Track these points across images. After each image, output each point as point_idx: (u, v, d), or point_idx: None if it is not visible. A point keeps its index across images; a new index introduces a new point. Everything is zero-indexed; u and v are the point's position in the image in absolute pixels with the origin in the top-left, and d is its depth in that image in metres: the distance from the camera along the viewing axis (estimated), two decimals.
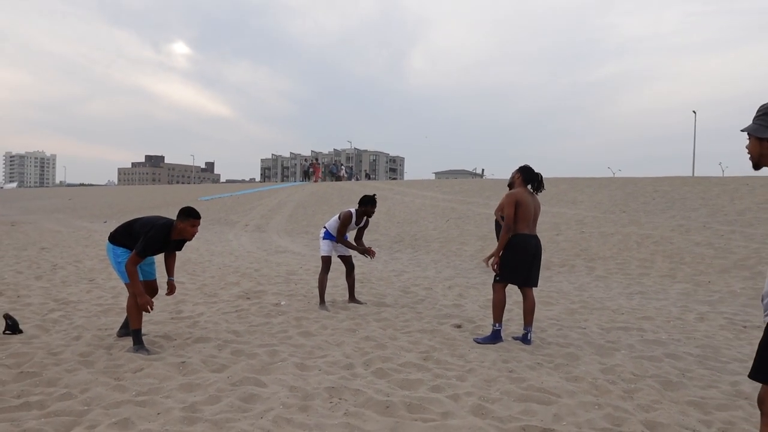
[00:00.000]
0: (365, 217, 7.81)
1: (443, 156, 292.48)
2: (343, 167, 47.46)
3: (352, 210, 7.85)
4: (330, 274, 9.77)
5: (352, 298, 8.08)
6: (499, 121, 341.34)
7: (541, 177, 6.14)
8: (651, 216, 16.49)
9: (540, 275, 11.37)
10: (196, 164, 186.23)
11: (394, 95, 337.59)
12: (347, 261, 8.01)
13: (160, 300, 7.75)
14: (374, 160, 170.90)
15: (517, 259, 5.97)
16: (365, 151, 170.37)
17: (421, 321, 7.14)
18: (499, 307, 6.09)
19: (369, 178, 50.03)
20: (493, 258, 6.09)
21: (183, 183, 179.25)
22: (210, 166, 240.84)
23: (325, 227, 8.03)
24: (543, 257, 12.80)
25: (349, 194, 29.68)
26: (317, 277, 9.92)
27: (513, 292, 8.67)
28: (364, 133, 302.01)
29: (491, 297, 8.44)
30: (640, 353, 5.86)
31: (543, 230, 15.53)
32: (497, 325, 6.09)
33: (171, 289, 5.64)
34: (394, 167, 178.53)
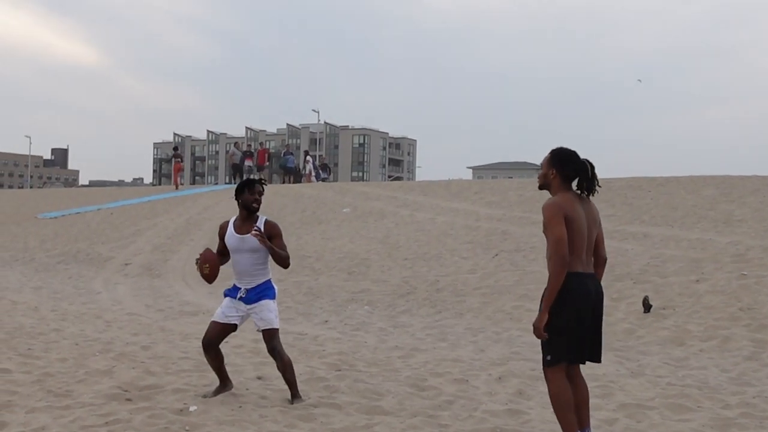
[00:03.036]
0: (254, 215, 7.16)
1: (486, 139, 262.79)
2: (309, 157, 41.19)
3: (231, 219, 7.33)
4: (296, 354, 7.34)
5: (292, 395, 7.29)
6: (585, 77, 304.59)
7: (593, 168, 5.65)
8: None
9: (666, 354, 10.20)
10: (34, 153, 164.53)
11: (397, 30, 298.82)
12: (265, 338, 7.22)
13: None
14: (361, 145, 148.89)
15: (570, 316, 5.41)
16: (345, 128, 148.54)
17: None
18: (566, 405, 5.46)
19: (323, 174, 41.53)
20: (539, 321, 5.53)
21: (10, 186, 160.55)
22: (60, 156, 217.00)
23: None
24: (673, 321, 11.54)
25: (314, 207, 26.65)
26: (256, 359, 9.15)
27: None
28: (344, 97, 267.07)
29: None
30: None
31: (672, 272, 13.78)
32: None
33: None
34: (397, 157, 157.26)
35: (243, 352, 9.80)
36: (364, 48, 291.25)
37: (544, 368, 5.62)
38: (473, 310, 13.37)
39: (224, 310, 7.20)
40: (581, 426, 5.63)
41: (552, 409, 5.64)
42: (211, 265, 7.09)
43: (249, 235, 7.03)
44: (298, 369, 8.62)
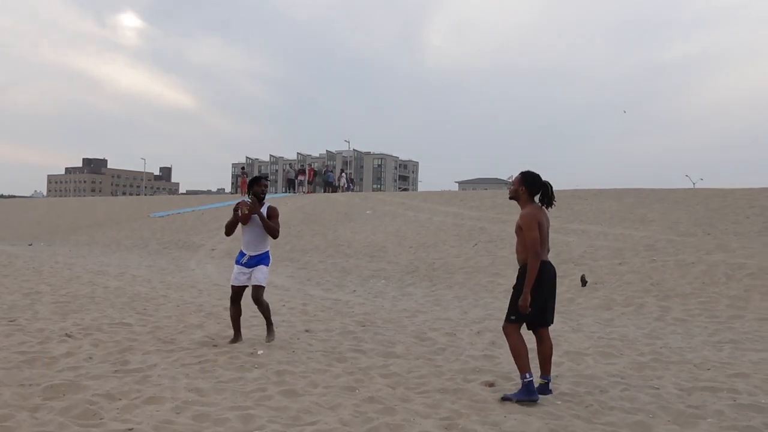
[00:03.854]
0: (261, 199, 7.15)
1: (469, 161, 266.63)
2: (344, 174, 40.86)
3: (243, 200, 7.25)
4: (333, 310, 7.33)
5: (267, 333, 7.35)
6: (542, 115, 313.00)
7: (552, 188, 5.49)
8: (745, 240, 14.17)
9: (597, 316, 10.26)
10: (147, 170, 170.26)
11: (405, 81, 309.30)
12: (252, 292, 7.19)
13: (100, 348, 6.84)
14: (379, 166, 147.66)
15: (535, 293, 5.30)
16: (368, 153, 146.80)
17: (441, 377, 6.16)
18: (522, 352, 5.35)
19: (352, 186, 42.37)
20: (524, 300, 5.33)
21: (131, 194, 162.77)
22: (166, 172, 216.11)
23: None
24: (603, 293, 11.44)
25: (346, 209, 26.40)
26: (305, 317, 9.13)
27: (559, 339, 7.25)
28: (367, 130, 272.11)
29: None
30: (733, 422, 4.96)
31: (602, 257, 13.71)
32: (527, 375, 5.36)
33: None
34: (404, 174, 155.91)
35: (295, 312, 9.72)
36: (382, 93, 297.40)
37: (505, 325, 5.44)
38: (459, 284, 13.23)
39: (236, 275, 7.12)
40: (544, 373, 5.52)
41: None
42: (249, 209, 6.94)
43: (256, 214, 7.03)
44: (334, 326, 8.62)
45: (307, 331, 8.14)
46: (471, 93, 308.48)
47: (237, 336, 7.24)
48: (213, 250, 20.70)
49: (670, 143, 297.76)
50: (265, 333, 7.39)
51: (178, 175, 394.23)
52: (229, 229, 7.12)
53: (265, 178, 7.35)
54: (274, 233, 7.06)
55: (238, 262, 7.20)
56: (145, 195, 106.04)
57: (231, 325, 7.38)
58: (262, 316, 7.46)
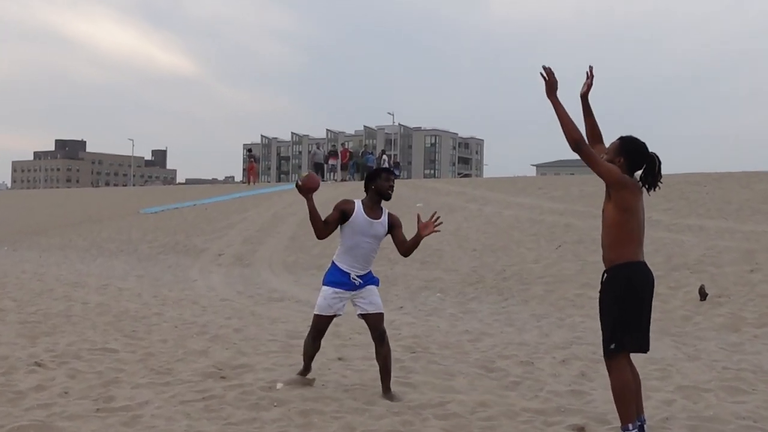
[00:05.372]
0: (382, 201, 6.74)
1: (550, 138, 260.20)
2: (385, 156, 40.98)
3: (356, 201, 6.77)
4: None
5: (384, 388, 6.76)
6: (646, 76, 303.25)
7: (660, 163, 5.24)
8: None
9: (721, 339, 9.86)
10: (137, 154, 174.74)
11: (466, 36, 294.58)
12: (372, 323, 6.77)
13: (78, 380, 6.92)
14: (433, 145, 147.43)
15: (629, 306, 5.08)
16: (418, 129, 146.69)
17: (515, 419, 6.06)
18: (629, 396, 5.16)
19: (396, 171, 41.49)
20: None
21: (116, 184, 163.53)
22: (159, 157, 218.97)
23: (333, 260, 6.89)
24: (728, 309, 11.20)
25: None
26: (337, 342, 9.01)
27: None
28: (416, 100, 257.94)
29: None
30: None
31: (727, 263, 13.35)
32: (630, 426, 5.18)
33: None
34: (466, 156, 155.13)
35: (325, 335, 9.82)
36: (435, 54, 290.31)
37: (606, 357, 5.25)
38: (537, 297, 13.17)
39: (330, 302, 6.68)
40: (636, 413, 5.36)
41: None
42: (312, 181, 6.55)
43: (379, 221, 6.66)
44: (374, 351, 8.68)
45: (340, 359, 8.18)
46: (552, 50, 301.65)
47: (308, 370, 6.97)
48: (220, 255, 20.81)
49: None
50: (381, 389, 6.73)
51: (175, 160, 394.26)
52: (320, 228, 6.53)
53: (390, 171, 6.96)
54: (410, 252, 6.73)
55: (332, 283, 6.72)
56: (134, 185, 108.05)
57: (303, 357, 6.99)
58: (383, 363, 6.70)
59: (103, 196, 42.20)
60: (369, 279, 6.79)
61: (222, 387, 6.81)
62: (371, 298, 6.72)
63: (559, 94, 5.30)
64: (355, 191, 29.05)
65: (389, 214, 6.78)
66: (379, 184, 6.68)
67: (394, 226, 6.74)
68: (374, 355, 7.03)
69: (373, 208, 6.68)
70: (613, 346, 5.16)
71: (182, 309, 11.93)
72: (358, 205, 6.70)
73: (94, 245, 25.32)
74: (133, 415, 5.86)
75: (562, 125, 5.21)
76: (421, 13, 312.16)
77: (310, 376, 7.03)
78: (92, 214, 33.46)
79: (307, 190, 6.48)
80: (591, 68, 5.53)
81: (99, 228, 28.72)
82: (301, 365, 7.38)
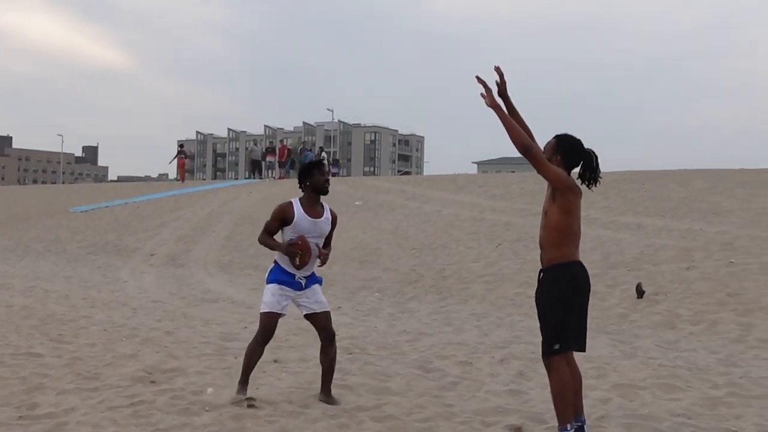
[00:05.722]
0: (319, 199, 6.57)
1: (491, 136, 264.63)
2: (324, 153, 41.37)
3: (293, 200, 6.58)
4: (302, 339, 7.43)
5: (324, 390, 6.66)
6: (583, 76, 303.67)
7: (597, 159, 5.30)
8: None
9: (657, 337, 10.08)
10: (66, 150, 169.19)
11: (405, 32, 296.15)
12: (321, 323, 6.60)
13: (2, 387, 6.85)
14: (372, 142, 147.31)
15: (571, 306, 5.13)
16: (357, 126, 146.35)
17: (452, 420, 6.09)
18: (567, 395, 5.17)
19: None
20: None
21: (44, 182, 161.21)
22: (90, 153, 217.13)
23: (275, 260, 6.64)
24: (665, 306, 11.40)
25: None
26: (272, 344, 8.54)
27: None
28: (355, 96, 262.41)
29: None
30: None
31: (664, 260, 13.57)
32: (568, 427, 5.18)
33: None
34: (406, 153, 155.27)
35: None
36: (375, 49, 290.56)
37: (546, 357, 5.25)
38: (477, 297, 13.25)
39: (278, 299, 6.45)
40: (577, 413, 5.38)
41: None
42: (307, 253, 6.39)
43: (322, 219, 6.49)
44: (311, 354, 8.53)
45: (275, 361, 8.13)
46: (492, 48, 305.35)
47: (244, 387, 6.47)
48: (152, 255, 20.64)
49: (755, 108, 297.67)
50: (321, 390, 6.65)
51: (107, 156, 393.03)
52: (270, 245, 6.49)
53: (322, 163, 6.79)
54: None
55: (278, 281, 6.51)
56: (63, 183, 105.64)
57: (242, 369, 6.53)
58: (329, 365, 6.59)
59: (30, 194, 41.46)
60: (313, 278, 6.65)
61: (152, 392, 6.76)
62: (316, 297, 6.57)
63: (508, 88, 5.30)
64: (293, 189, 28.65)
65: (330, 210, 6.64)
66: (314, 179, 6.50)
67: (335, 224, 6.66)
68: (311, 357, 6.95)
69: (313, 207, 6.51)
70: (557, 347, 5.17)
71: (112, 311, 11.84)
72: (297, 206, 6.50)
73: (20, 245, 24.79)
74: (58, 422, 5.82)
75: (508, 133, 5.21)
76: (362, 7, 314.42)
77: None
78: (18, 212, 32.78)
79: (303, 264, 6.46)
80: (498, 68, 5.46)
81: (25, 227, 28.15)
82: (233, 369, 7.28)
